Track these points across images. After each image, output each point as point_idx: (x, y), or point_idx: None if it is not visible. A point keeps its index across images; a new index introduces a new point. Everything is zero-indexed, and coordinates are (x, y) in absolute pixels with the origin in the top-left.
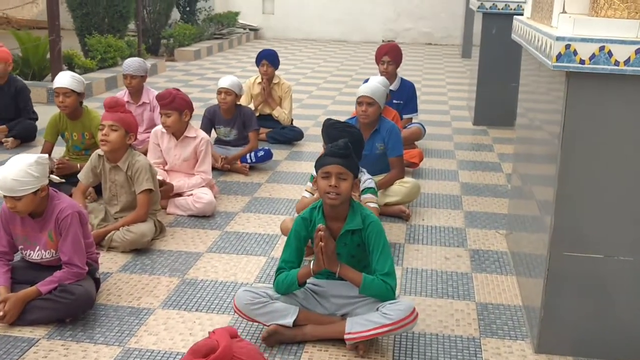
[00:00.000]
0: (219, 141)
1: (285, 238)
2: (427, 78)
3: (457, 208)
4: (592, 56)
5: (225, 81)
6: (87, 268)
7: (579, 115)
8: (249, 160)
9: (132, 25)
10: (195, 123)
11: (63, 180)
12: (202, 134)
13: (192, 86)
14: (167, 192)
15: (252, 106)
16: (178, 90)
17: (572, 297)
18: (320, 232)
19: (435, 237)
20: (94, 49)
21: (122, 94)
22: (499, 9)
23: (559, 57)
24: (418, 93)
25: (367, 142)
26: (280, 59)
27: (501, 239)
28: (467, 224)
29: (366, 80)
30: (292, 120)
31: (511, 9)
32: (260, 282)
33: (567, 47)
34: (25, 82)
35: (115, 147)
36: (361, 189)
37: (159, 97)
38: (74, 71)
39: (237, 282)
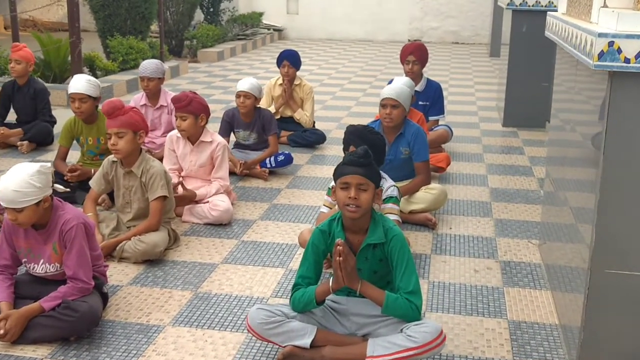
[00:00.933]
0: (238, 145)
1: (303, 250)
2: (454, 78)
3: (486, 215)
4: (639, 55)
5: (244, 84)
6: (93, 283)
7: (623, 117)
8: (268, 165)
9: (155, 27)
10: (214, 126)
11: (68, 190)
12: (219, 138)
13: (214, 87)
14: (190, 198)
15: (272, 108)
16: (195, 93)
17: (616, 318)
18: (339, 247)
19: (463, 248)
20: (115, 51)
21: (140, 96)
22: (529, 6)
23: (601, 55)
24: (445, 93)
25: (392, 147)
26: (304, 60)
27: (534, 249)
28: (497, 233)
29: (390, 81)
30: (314, 122)
31: (542, 6)
32: (276, 297)
33: (611, 44)
34: (46, 84)
35: (127, 152)
36: (383, 197)
37: (174, 100)
38: (95, 74)
39: (253, 296)
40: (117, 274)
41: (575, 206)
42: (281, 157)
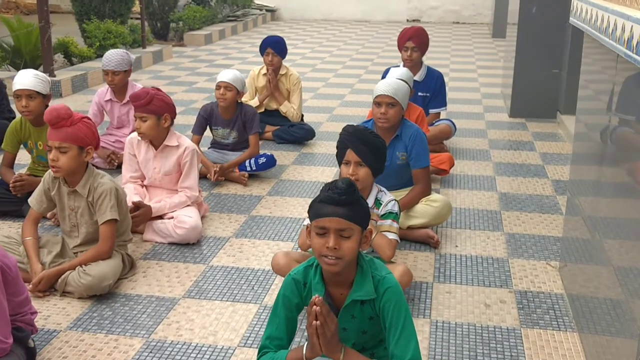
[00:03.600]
0: (215, 144)
1: (280, 279)
2: (456, 62)
3: (496, 229)
4: None
5: (226, 75)
6: (10, 340)
7: None
8: (248, 168)
9: (138, 9)
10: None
11: None
12: (187, 142)
13: (199, 74)
14: (145, 216)
15: (256, 100)
16: (158, 89)
17: None
18: (315, 307)
19: (471, 273)
20: (92, 36)
21: (104, 91)
22: None
23: None
24: (446, 79)
25: (387, 150)
26: (297, 43)
27: (553, 273)
28: (510, 252)
29: (386, 72)
30: (302, 116)
31: None
32: (245, 347)
33: None
34: (11, 73)
35: (69, 171)
36: (381, 212)
37: (133, 97)
38: (70, 60)
39: (217, 345)
40: (57, 313)
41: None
42: (262, 159)
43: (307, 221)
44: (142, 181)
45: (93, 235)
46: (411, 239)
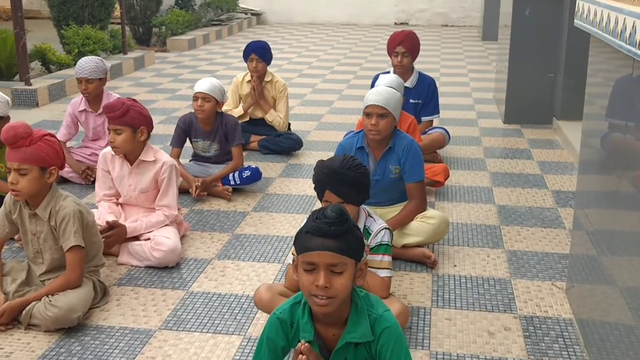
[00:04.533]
0: (196, 157)
1: (264, 315)
2: (446, 65)
3: (496, 246)
4: None
5: (203, 84)
6: None
7: None
8: (232, 182)
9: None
10: (164, 137)
11: None
12: (164, 157)
13: (182, 81)
14: (119, 236)
15: (240, 109)
16: (134, 100)
17: None
18: (301, 357)
19: (472, 296)
20: (70, 42)
21: (78, 101)
22: None
23: None
24: (437, 84)
25: (379, 164)
26: (283, 47)
27: (560, 295)
28: (512, 272)
29: (375, 78)
30: (289, 125)
31: None
32: None
33: None
34: None
35: (30, 194)
36: (371, 244)
37: (106, 108)
38: (48, 67)
39: None
40: (20, 349)
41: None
42: (247, 173)
43: (290, 257)
44: (117, 199)
45: (60, 261)
46: (406, 258)
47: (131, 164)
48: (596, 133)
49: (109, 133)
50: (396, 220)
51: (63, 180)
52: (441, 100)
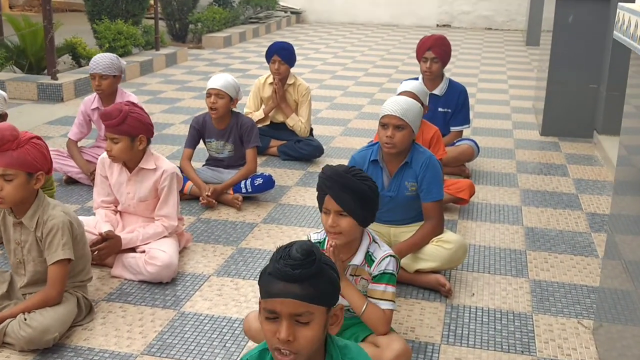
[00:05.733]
0: (210, 161)
1: (252, 344)
2: (485, 70)
3: (520, 274)
4: None
5: (217, 81)
6: None
7: None
8: (243, 190)
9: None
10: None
11: None
12: (165, 164)
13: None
14: (113, 248)
15: (261, 112)
16: (133, 105)
17: None
18: None
19: (488, 333)
20: (102, 37)
21: (91, 98)
22: None
23: None
24: (473, 90)
25: (393, 180)
26: (321, 46)
27: (586, 336)
28: (534, 306)
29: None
30: (311, 130)
31: None
32: None
33: None
34: (14, 74)
35: (15, 201)
36: (374, 272)
37: (103, 115)
38: (79, 62)
39: None
40: None
41: None
42: (259, 180)
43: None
44: (116, 206)
45: (42, 274)
46: (418, 284)
47: (130, 171)
48: (636, 150)
49: (106, 141)
50: (410, 244)
51: (72, 181)
52: (477, 108)
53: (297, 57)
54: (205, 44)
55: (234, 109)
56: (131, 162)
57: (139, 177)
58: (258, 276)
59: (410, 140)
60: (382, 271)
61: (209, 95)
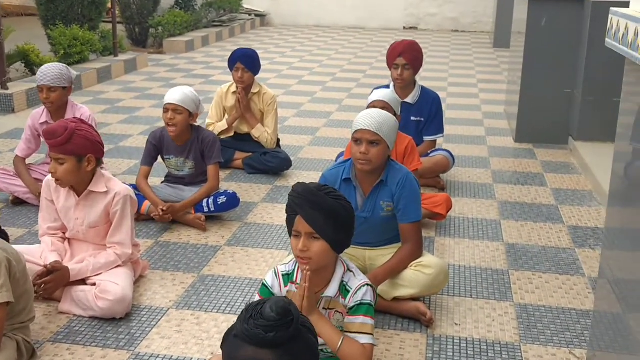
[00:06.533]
0: (170, 178)
1: None
2: (454, 74)
3: (504, 297)
4: None
5: (173, 95)
6: None
7: None
8: (205, 209)
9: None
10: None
11: None
12: (118, 186)
13: (173, 85)
14: (60, 281)
15: (224, 123)
16: (81, 122)
17: None
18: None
19: None
20: (56, 43)
21: (40, 112)
22: None
23: None
24: (444, 94)
25: (368, 199)
26: (286, 50)
27: None
28: (522, 334)
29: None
30: (278, 141)
31: None
32: None
33: None
34: None
35: None
36: (349, 304)
37: (46, 133)
38: (32, 70)
39: None
40: None
41: None
42: (222, 199)
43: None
44: (64, 233)
45: None
46: (397, 313)
47: (78, 195)
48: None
49: (50, 162)
50: (386, 269)
51: (19, 202)
52: (448, 114)
53: (262, 62)
54: (166, 49)
55: (192, 123)
56: (79, 185)
57: (89, 202)
58: (221, 312)
59: (386, 156)
60: (358, 302)
61: (165, 110)
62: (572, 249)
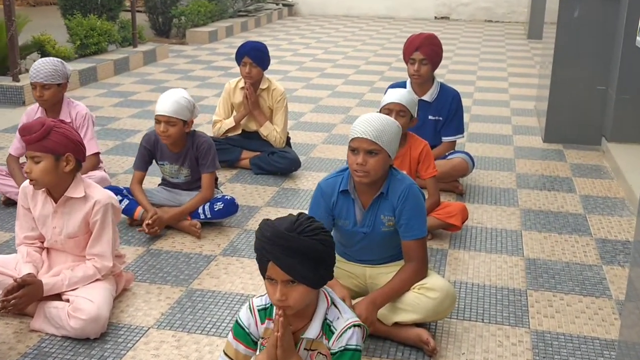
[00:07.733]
0: (165, 182)
1: None
2: (485, 67)
3: (519, 322)
4: None
5: (165, 105)
6: None
7: None
8: (201, 216)
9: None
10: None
11: None
12: (99, 193)
13: (191, 78)
14: (32, 296)
15: (231, 121)
16: (60, 122)
17: None
18: None
19: None
20: (73, 33)
21: (34, 109)
22: None
23: None
24: (471, 89)
25: (367, 213)
26: (312, 41)
27: None
28: None
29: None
30: (287, 139)
31: None
32: None
33: None
34: None
35: None
36: (333, 348)
37: (22, 130)
38: None
39: None
40: None
41: None
42: (219, 205)
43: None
44: (42, 242)
45: None
46: (397, 340)
47: (56, 202)
48: None
49: (27, 162)
50: (386, 292)
51: (11, 203)
52: (474, 110)
53: (285, 54)
54: (189, 40)
55: (187, 131)
56: (56, 190)
57: (67, 209)
58: (205, 333)
59: (386, 166)
60: (342, 347)
61: (157, 122)
62: (599, 266)
